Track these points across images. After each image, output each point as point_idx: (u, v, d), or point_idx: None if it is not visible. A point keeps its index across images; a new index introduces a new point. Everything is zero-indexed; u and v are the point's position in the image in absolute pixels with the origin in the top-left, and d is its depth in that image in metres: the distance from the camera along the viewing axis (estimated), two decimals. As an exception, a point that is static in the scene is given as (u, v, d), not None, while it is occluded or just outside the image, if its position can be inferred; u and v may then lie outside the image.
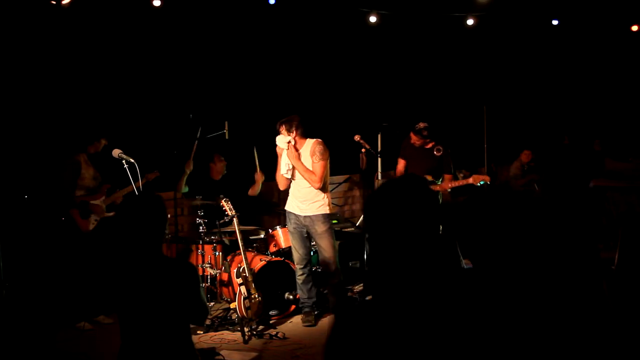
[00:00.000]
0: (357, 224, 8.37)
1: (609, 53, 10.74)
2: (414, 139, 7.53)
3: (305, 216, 6.64)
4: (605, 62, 10.78)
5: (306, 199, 6.63)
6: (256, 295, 6.43)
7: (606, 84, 10.87)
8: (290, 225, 6.78)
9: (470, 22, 9.70)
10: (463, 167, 9.80)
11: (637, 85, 10.66)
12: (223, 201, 6.71)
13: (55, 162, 6.90)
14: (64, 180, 6.72)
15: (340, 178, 9.45)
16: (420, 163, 7.52)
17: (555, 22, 10.17)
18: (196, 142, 7.49)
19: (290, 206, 6.78)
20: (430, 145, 7.56)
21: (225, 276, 6.90)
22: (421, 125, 7.46)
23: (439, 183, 7.52)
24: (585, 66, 10.87)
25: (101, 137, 6.91)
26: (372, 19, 9.27)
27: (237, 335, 6.32)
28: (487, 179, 7.23)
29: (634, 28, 10.25)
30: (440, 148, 7.55)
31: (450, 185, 7.47)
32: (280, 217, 8.66)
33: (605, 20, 10.16)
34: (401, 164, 7.71)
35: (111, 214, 6.86)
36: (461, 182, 7.46)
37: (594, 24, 10.21)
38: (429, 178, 7.52)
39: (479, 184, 7.21)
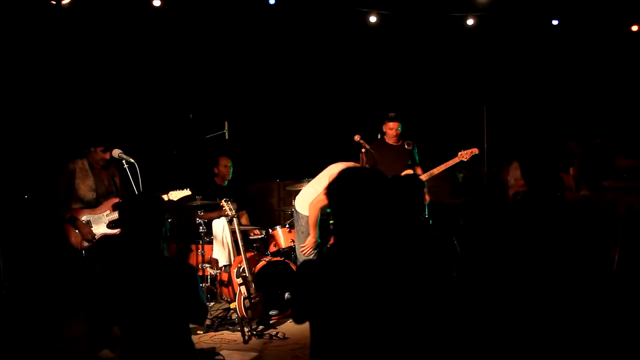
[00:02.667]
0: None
1: (609, 53, 10.72)
2: (391, 129, 7.54)
3: None
4: (605, 62, 10.76)
5: None
6: (256, 296, 6.43)
7: (606, 83, 10.85)
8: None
9: (470, 22, 9.68)
10: (463, 167, 9.79)
11: (638, 85, 10.65)
12: (223, 201, 6.72)
13: (53, 169, 6.33)
14: (58, 192, 6.06)
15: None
16: (396, 161, 7.48)
17: (555, 22, 10.16)
18: None
19: None
20: (400, 143, 7.58)
21: (225, 276, 6.90)
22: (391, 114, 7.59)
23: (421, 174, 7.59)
24: (586, 66, 10.85)
25: (111, 146, 6.11)
26: (372, 18, 9.26)
27: (237, 335, 6.33)
28: (476, 150, 7.31)
29: (634, 28, 10.24)
30: (410, 142, 7.56)
31: (427, 175, 7.54)
32: (281, 216, 8.68)
33: (605, 20, 10.14)
34: None
35: (115, 231, 6.03)
36: (447, 164, 7.60)
37: (594, 24, 10.19)
38: (410, 172, 7.47)
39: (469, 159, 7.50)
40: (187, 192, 6.41)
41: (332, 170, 6.43)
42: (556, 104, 10.82)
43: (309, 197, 6.54)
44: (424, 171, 7.59)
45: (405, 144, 7.59)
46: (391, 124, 7.55)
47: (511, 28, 10.20)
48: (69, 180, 6.02)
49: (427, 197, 7.43)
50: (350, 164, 6.30)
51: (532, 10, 9.80)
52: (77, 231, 5.96)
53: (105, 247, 6.02)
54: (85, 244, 5.97)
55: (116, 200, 6.14)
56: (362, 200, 2.74)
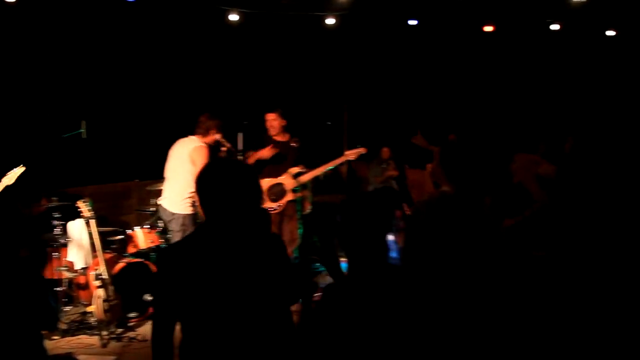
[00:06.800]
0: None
1: (463, 52, 11.22)
2: (273, 121, 7.42)
3: None
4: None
5: None
6: (115, 298, 6.32)
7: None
8: None
9: (330, 21, 9.82)
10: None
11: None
12: (80, 202, 6.54)
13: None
14: None
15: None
16: (281, 157, 7.45)
17: (413, 22, 10.43)
18: None
19: None
20: (287, 138, 7.52)
21: (82, 279, 6.75)
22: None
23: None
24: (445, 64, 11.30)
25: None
26: (233, 17, 9.21)
27: (95, 339, 6.20)
28: (364, 150, 7.38)
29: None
30: (297, 139, 7.47)
31: (310, 175, 7.53)
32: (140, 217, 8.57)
33: (459, 20, 10.58)
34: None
35: None
36: (333, 163, 7.50)
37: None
38: (300, 169, 7.38)
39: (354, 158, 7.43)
40: (21, 168, 5.96)
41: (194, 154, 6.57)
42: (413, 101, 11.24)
43: (184, 192, 6.50)
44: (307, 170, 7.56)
45: (292, 141, 7.45)
46: (268, 115, 7.38)
47: (371, 28, 10.49)
48: None
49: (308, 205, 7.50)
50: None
51: (388, 11, 10.09)
52: None
53: None
54: None
55: None
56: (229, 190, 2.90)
